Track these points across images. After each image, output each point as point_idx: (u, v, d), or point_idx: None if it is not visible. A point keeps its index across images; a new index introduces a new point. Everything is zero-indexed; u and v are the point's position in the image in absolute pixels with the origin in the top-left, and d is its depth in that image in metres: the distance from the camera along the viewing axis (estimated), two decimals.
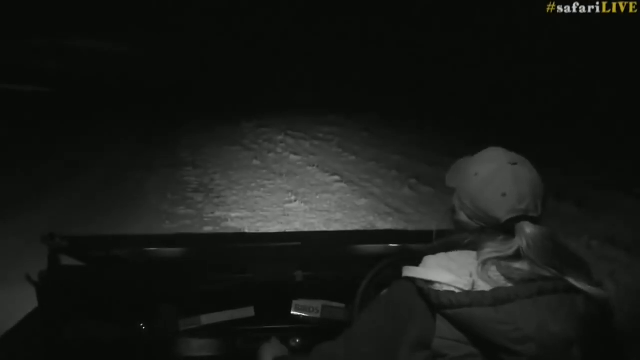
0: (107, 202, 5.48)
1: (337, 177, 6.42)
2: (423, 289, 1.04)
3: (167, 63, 14.47)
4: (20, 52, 15.00)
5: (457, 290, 1.00)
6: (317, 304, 1.72)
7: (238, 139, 8.80)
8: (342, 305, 1.75)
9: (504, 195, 1.04)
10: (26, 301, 1.67)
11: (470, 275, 1.01)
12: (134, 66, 14.25)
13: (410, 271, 1.09)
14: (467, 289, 1.00)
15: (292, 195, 5.76)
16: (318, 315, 1.69)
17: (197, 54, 15.31)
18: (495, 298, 0.98)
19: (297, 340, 1.76)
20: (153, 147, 8.26)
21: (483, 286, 1.00)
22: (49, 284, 1.65)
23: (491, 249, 1.04)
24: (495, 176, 1.07)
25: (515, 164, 1.08)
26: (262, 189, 6.01)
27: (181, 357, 1.76)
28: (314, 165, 7.04)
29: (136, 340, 1.71)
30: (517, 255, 1.03)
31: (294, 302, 1.73)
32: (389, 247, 1.74)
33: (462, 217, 1.12)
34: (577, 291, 1.03)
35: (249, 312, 1.74)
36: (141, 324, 1.71)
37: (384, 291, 1.20)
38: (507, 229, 1.04)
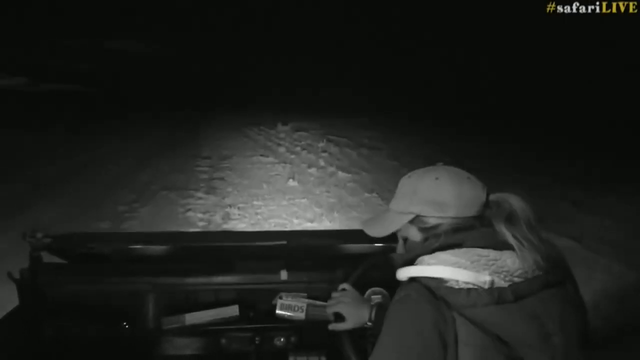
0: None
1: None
2: (440, 287, 0.97)
3: (197, 63, 14.19)
4: None
5: (478, 288, 0.95)
6: (302, 303, 1.71)
7: (273, 148, 7.08)
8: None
9: (469, 177, 1.10)
10: (8, 299, 1.65)
11: (489, 274, 0.96)
12: (162, 67, 13.92)
13: (416, 270, 1.02)
14: (486, 287, 0.95)
15: None
16: (303, 314, 1.68)
17: (228, 54, 15.03)
18: (516, 293, 0.95)
19: (282, 339, 1.76)
20: (153, 164, 6.53)
21: (499, 283, 0.96)
22: (30, 282, 1.63)
23: (477, 240, 1.02)
24: (453, 174, 1.10)
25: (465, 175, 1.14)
26: None
27: (165, 356, 1.75)
28: (372, 192, 5.08)
29: (119, 338, 1.69)
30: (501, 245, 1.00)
31: (279, 302, 1.72)
32: (374, 246, 1.73)
33: (445, 225, 1.07)
34: (563, 282, 1.03)
35: (233, 311, 1.73)
36: (124, 323, 1.70)
37: (396, 300, 1.05)
38: (484, 221, 1.05)
